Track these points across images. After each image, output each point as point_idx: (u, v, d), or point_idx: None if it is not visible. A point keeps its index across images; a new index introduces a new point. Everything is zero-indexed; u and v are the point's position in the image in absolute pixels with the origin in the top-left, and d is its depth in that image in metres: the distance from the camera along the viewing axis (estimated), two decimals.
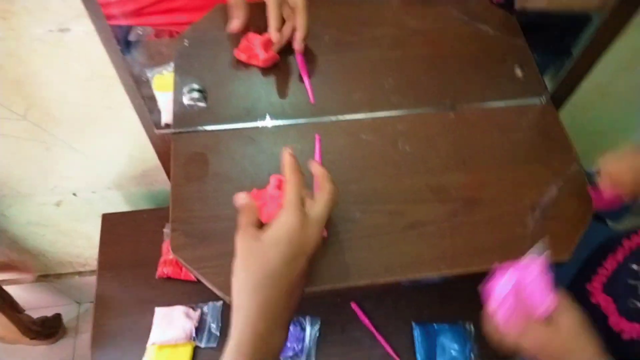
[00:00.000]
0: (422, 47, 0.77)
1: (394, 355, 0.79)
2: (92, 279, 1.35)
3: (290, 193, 0.50)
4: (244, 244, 0.49)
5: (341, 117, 0.70)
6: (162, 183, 0.89)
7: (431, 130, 0.70)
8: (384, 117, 0.70)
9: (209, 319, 0.79)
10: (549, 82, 0.74)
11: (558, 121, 0.72)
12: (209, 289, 0.83)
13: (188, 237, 0.59)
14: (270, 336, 0.46)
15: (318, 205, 0.51)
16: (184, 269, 0.81)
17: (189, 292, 0.82)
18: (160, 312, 0.78)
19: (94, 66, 0.61)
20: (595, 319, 0.65)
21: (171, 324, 0.77)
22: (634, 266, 0.62)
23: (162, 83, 0.70)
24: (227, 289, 0.56)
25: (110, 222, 0.87)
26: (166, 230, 0.85)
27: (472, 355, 0.78)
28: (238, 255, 0.49)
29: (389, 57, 0.77)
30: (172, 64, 0.70)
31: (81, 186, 0.87)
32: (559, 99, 0.74)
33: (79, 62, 0.62)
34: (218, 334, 0.78)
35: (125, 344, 0.78)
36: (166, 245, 0.83)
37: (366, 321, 0.81)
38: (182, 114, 0.67)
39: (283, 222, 0.48)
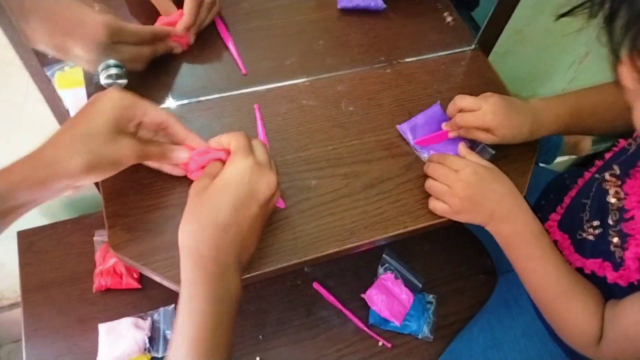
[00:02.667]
0: None
1: (365, 328, 0.77)
2: (12, 314, 1.21)
3: (239, 140, 0.49)
4: (193, 192, 0.47)
5: (277, 85, 0.66)
6: (84, 187, 0.79)
7: (371, 88, 0.67)
8: (322, 80, 0.67)
9: (162, 326, 0.72)
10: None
11: (489, 65, 0.73)
12: (156, 294, 0.77)
13: (129, 232, 0.52)
14: (222, 281, 0.44)
15: (260, 149, 0.49)
16: (124, 276, 0.73)
17: (135, 302, 0.74)
18: (104, 328, 0.69)
19: None
20: None
21: (120, 339, 0.69)
22: (584, 200, 0.63)
23: (66, 80, 0.62)
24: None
25: (29, 239, 0.76)
26: (97, 238, 0.76)
27: (425, 325, 0.77)
28: (188, 204, 0.47)
29: (314, 19, 0.73)
30: None
31: None
32: (484, 46, 0.75)
33: None
34: None
35: None
36: (100, 254, 0.74)
37: (331, 299, 0.78)
38: None
39: (231, 168, 0.47)
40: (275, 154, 0.59)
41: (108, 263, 0.74)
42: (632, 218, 0.53)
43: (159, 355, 0.70)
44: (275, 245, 0.54)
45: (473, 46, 0.74)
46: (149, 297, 0.75)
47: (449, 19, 0.74)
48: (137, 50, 0.58)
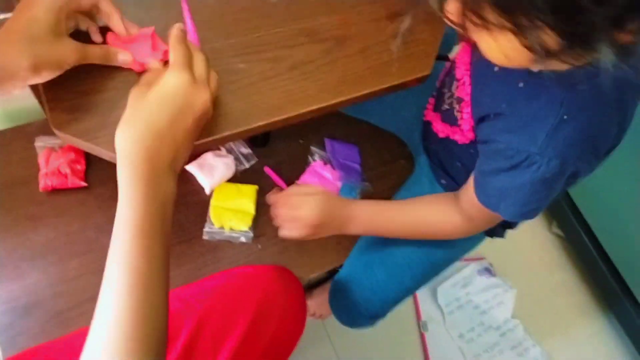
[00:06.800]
0: None
1: None
2: None
3: (178, 54, 0.52)
4: (132, 99, 0.51)
5: None
6: (20, 97, 0.80)
7: None
8: None
9: None
10: None
11: None
12: (102, 192, 0.81)
13: (70, 113, 0.56)
14: (158, 182, 0.48)
15: (200, 65, 0.53)
16: (69, 176, 0.76)
17: (82, 199, 0.78)
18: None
19: None
20: (427, 128, 0.82)
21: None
22: (446, 77, 0.75)
23: None
24: None
25: None
26: (39, 144, 0.78)
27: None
28: (126, 109, 0.50)
29: None
30: None
31: None
32: None
33: None
34: None
35: (24, 266, 0.73)
36: (43, 158, 0.77)
37: (280, 182, 0.86)
38: None
39: (168, 81, 0.50)
40: (204, 41, 0.64)
41: (52, 165, 0.77)
42: (462, 84, 0.65)
43: None
44: (209, 121, 0.59)
45: None
46: (96, 195, 0.80)
47: None
48: None
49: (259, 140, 0.88)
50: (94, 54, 0.54)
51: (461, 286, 1.37)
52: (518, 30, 0.42)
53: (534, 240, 1.48)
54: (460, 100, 0.69)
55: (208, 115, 0.54)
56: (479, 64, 0.65)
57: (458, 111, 0.70)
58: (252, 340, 0.61)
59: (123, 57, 0.56)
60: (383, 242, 0.82)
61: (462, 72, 0.68)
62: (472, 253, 1.34)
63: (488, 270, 1.39)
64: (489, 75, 0.62)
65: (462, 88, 0.68)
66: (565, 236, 1.46)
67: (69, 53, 0.51)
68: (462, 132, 0.69)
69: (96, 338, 0.43)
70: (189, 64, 0.52)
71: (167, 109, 0.49)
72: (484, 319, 1.35)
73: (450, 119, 0.72)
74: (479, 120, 0.64)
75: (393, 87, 0.68)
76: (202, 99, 0.51)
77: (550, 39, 0.42)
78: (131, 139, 0.48)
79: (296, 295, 0.69)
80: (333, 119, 0.93)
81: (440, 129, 0.75)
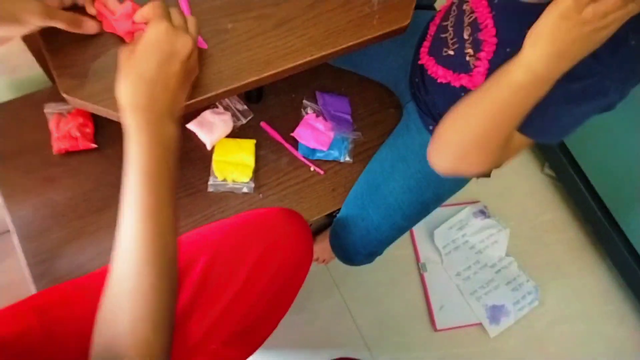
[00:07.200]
0: None
1: (301, 157, 0.91)
2: None
3: (155, 8, 0.56)
4: (122, 58, 0.56)
5: None
6: (26, 67, 0.85)
7: None
8: None
9: None
10: None
11: None
12: (112, 152, 0.87)
13: (75, 78, 0.61)
14: (158, 125, 0.54)
15: (176, 16, 0.58)
16: (80, 139, 0.82)
17: (94, 160, 0.84)
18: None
19: None
20: (422, 73, 0.84)
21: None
22: (444, 22, 0.77)
23: None
24: None
25: None
26: (48, 110, 0.84)
27: (345, 151, 0.92)
28: (119, 68, 0.55)
29: None
30: None
31: None
32: None
33: None
34: None
35: (48, 223, 0.80)
36: (53, 123, 0.82)
37: (276, 135, 0.91)
38: None
39: (150, 32, 0.55)
40: (192, 4, 0.68)
41: (62, 129, 0.83)
42: (485, 27, 0.67)
43: None
44: (203, 80, 0.64)
45: None
46: (106, 155, 0.86)
47: None
48: None
49: (253, 97, 0.93)
50: (60, 16, 0.56)
51: (457, 228, 1.44)
52: None
53: (527, 182, 1.54)
54: (479, 44, 0.68)
55: (194, 59, 0.58)
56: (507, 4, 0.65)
57: (472, 56, 0.70)
58: (262, 269, 0.68)
59: (90, 24, 0.60)
60: (376, 186, 0.88)
61: (485, 16, 0.67)
62: (467, 196, 1.42)
63: (483, 212, 1.45)
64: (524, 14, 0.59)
65: (486, 31, 0.67)
66: (556, 176, 1.52)
67: (30, 9, 0.53)
68: (471, 77, 0.70)
69: (117, 263, 0.50)
70: (167, 16, 0.56)
71: (153, 56, 0.54)
72: (480, 258, 1.42)
73: (455, 65, 0.74)
74: None
75: (375, 37, 0.72)
76: (184, 43, 0.56)
77: None
78: (128, 90, 0.54)
79: (303, 230, 0.75)
80: (323, 73, 0.98)
81: (442, 74, 0.76)
